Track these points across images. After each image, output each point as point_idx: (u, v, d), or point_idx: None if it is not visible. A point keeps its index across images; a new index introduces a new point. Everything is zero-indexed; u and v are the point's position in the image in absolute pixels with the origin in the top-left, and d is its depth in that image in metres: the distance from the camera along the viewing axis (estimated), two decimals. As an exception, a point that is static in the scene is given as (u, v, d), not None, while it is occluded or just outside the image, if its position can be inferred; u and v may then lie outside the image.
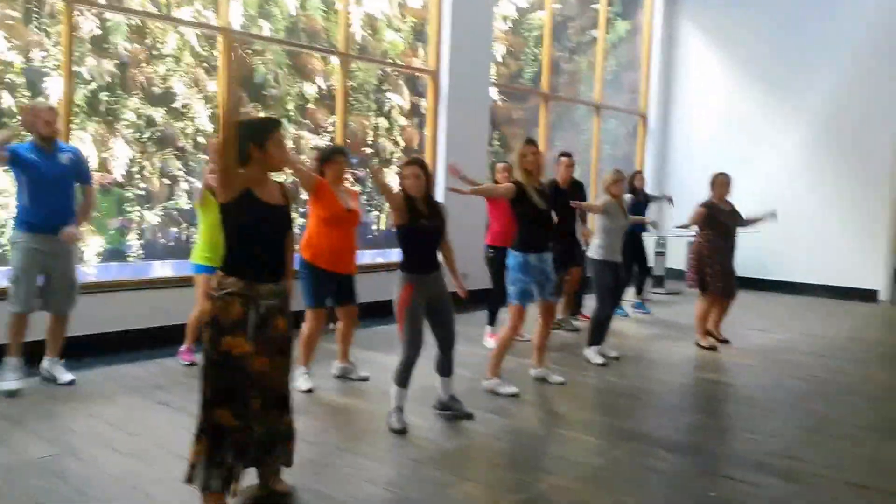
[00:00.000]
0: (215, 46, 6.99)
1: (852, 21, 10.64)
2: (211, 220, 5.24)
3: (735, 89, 11.73)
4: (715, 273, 6.82)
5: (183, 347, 5.71)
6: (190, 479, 3.12)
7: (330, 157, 5.10)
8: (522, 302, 5.17)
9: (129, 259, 6.77)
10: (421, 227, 4.28)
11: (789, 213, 10.99)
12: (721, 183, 6.90)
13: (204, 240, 5.44)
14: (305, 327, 5.11)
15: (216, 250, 5.18)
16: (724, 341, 7.17)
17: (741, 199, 7.28)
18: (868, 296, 10.52)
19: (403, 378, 4.32)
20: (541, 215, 5.17)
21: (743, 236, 7.15)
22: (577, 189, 6.87)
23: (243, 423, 3.13)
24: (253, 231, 3.14)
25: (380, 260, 8.66)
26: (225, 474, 3.11)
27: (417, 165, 4.30)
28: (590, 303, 8.81)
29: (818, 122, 10.95)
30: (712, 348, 6.84)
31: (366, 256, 8.57)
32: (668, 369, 6.15)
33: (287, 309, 3.29)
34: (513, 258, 5.18)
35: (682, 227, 7.03)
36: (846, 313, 9.39)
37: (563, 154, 6.99)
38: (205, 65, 7.21)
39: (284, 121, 7.74)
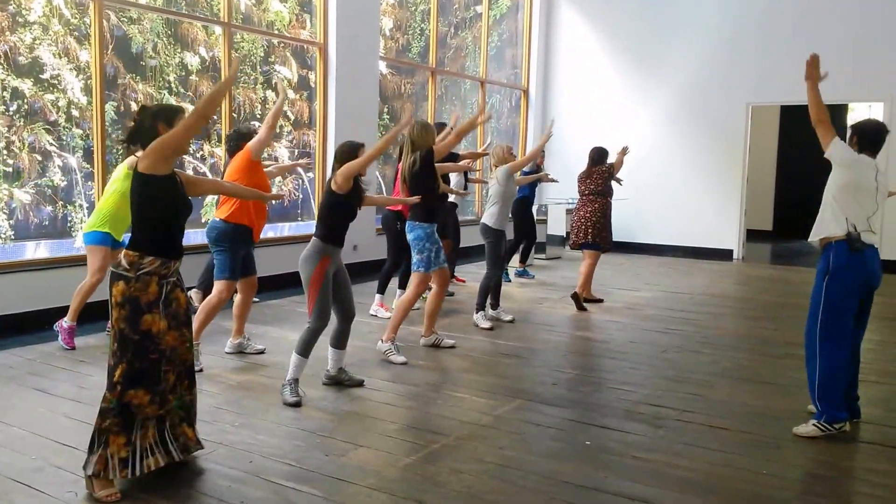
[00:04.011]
0: (86, 13, 6.54)
1: None
2: (126, 190, 5.09)
3: (608, 63, 12.14)
4: (609, 232, 7.39)
5: (65, 325, 5.36)
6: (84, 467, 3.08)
7: (250, 135, 5.14)
8: (428, 269, 5.30)
9: (-4, 241, 6.29)
10: (357, 200, 4.45)
11: (655, 181, 11.59)
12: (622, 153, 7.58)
13: (109, 209, 5.24)
14: (215, 297, 4.96)
15: (119, 222, 5.23)
16: (599, 301, 7.54)
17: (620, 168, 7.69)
18: (724, 255, 11.29)
19: (307, 348, 4.32)
20: (439, 188, 5.39)
21: (613, 204, 7.54)
22: (451, 156, 6.97)
23: (157, 398, 3.16)
24: (172, 210, 3.20)
25: (271, 234, 8.48)
26: (127, 455, 3.08)
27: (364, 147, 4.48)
28: (470, 268, 9.05)
29: (681, 94, 11.53)
30: (583, 308, 7.18)
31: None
32: (548, 330, 6.39)
33: (182, 283, 3.34)
34: (422, 229, 5.28)
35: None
36: (704, 271, 10.04)
37: (440, 124, 7.23)
38: (76, 33, 6.72)
39: (165, 92, 7.41)
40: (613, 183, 7.61)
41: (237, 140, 5.19)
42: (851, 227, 3.82)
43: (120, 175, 5.31)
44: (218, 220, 5.00)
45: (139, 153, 3.22)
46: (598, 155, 7.50)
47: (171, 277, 3.21)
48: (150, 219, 3.17)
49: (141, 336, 3.09)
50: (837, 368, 3.85)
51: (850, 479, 3.49)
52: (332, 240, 4.37)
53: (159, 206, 3.16)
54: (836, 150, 3.89)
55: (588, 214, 7.36)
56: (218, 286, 4.99)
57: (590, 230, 7.33)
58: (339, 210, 4.38)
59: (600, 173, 7.39)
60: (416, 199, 5.08)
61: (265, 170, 6.12)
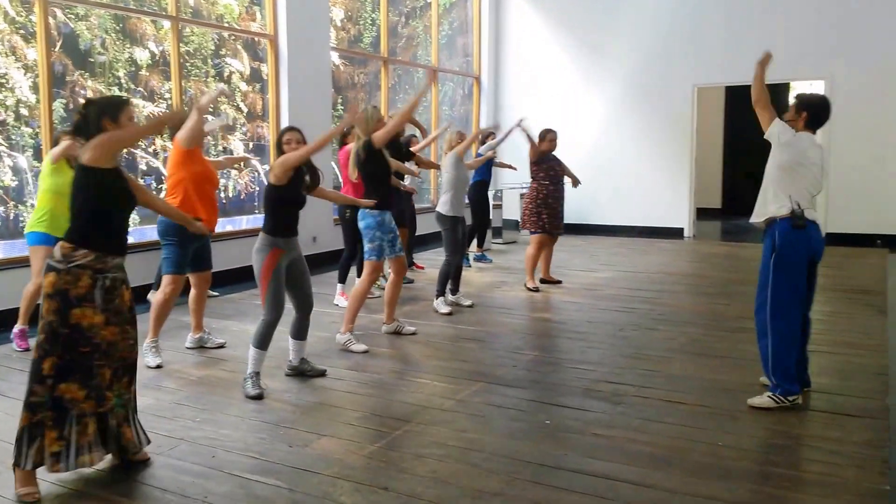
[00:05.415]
0: (32, 11, 6.29)
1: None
2: (57, 187, 4.90)
3: (557, 49, 12.14)
4: (548, 214, 7.21)
5: (16, 329, 5.19)
6: (17, 463, 2.99)
7: None
8: (379, 257, 5.22)
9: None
10: (299, 193, 4.29)
11: (607, 163, 11.66)
12: (551, 138, 7.26)
13: (44, 208, 5.00)
14: (161, 293, 4.81)
15: (58, 220, 4.91)
16: (557, 282, 7.54)
17: (569, 152, 7.66)
18: (675, 233, 11.42)
19: (264, 341, 4.21)
20: (390, 175, 5.25)
21: (566, 187, 7.50)
22: (398, 146, 6.91)
23: (93, 393, 3.06)
24: (113, 204, 3.13)
25: (229, 228, 8.30)
26: (60, 450, 3.01)
27: (298, 132, 4.31)
28: (428, 255, 9.00)
29: (629, 78, 11.59)
30: (536, 290, 7.18)
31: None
32: (507, 313, 6.37)
33: (127, 280, 3.24)
34: (372, 218, 5.17)
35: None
36: (658, 250, 10.14)
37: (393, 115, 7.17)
38: (22, 31, 6.47)
39: (115, 89, 7.17)
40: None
41: (176, 130, 4.94)
42: (795, 204, 3.85)
43: (45, 172, 5.08)
44: None
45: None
46: (539, 140, 7.33)
47: (111, 273, 3.10)
48: (89, 211, 3.09)
49: (70, 330, 3.00)
50: (789, 342, 3.90)
51: (804, 448, 3.53)
52: (278, 232, 4.21)
53: (99, 199, 3.08)
54: (776, 131, 3.91)
55: (524, 200, 7.35)
56: (165, 280, 4.81)
57: (524, 215, 7.31)
58: (279, 202, 4.22)
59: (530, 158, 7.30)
60: (370, 202, 4.98)
61: (216, 160, 5.97)
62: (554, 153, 7.32)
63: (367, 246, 5.24)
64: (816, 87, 10.54)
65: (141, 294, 5.13)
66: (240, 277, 7.35)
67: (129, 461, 3.27)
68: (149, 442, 3.36)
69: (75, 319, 3.00)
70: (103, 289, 3.06)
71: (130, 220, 3.64)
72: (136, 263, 6.29)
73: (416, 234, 8.09)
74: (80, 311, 3.00)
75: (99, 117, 3.11)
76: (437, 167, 6.78)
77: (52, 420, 2.99)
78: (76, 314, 3.00)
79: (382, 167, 5.17)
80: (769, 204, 3.93)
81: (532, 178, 7.28)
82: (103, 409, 3.11)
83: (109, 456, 3.28)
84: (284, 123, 8.31)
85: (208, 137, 8.05)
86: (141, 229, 7.10)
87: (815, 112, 3.95)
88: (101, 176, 3.05)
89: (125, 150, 3.39)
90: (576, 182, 7.47)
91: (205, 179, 4.86)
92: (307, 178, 4.36)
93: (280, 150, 4.25)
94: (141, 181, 7.09)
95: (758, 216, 3.99)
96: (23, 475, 2.98)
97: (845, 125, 10.21)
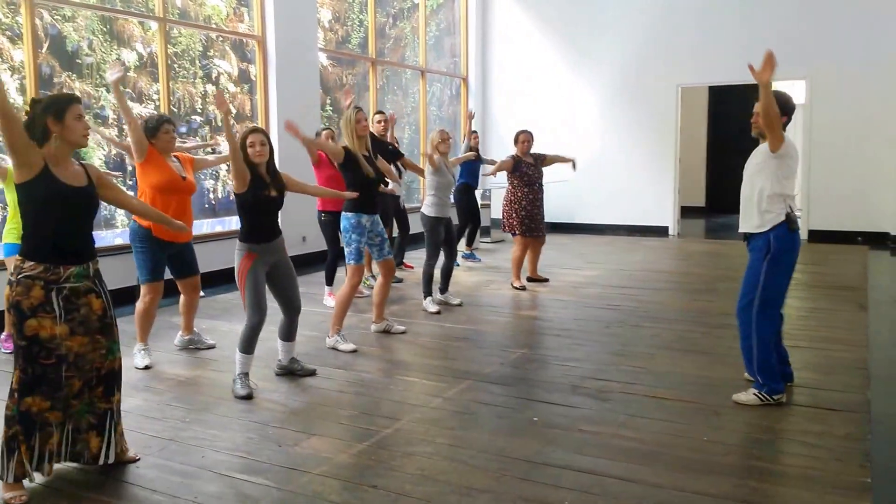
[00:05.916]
0: (18, 12, 6.23)
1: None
2: (13, 201, 4.83)
3: (544, 49, 12.16)
4: (522, 217, 7.15)
5: (3, 335, 5.17)
6: (0, 476, 2.96)
7: (157, 128, 4.72)
8: (358, 261, 5.18)
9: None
10: (264, 196, 4.14)
11: (593, 162, 11.68)
12: (523, 139, 7.21)
13: (12, 218, 4.92)
14: (141, 303, 4.76)
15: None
16: (544, 280, 7.55)
17: (555, 151, 7.64)
18: (660, 232, 11.47)
19: (249, 345, 4.17)
20: (370, 180, 5.12)
21: (554, 186, 7.50)
22: (387, 148, 6.89)
23: (59, 404, 3.00)
24: (51, 212, 2.95)
25: (219, 228, 8.26)
26: (32, 458, 2.97)
27: (262, 133, 4.18)
28: (418, 254, 8.97)
29: (615, 77, 11.62)
30: (522, 288, 7.17)
31: (204, 225, 8.12)
32: (494, 311, 6.37)
33: (100, 288, 3.12)
34: (346, 220, 5.14)
35: (487, 174, 7.58)
36: (643, 248, 10.18)
37: (377, 112, 7.14)
38: (8, 33, 6.40)
39: (103, 90, 7.11)
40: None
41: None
42: (788, 207, 3.86)
43: (3, 186, 5.02)
44: (132, 220, 4.79)
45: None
46: (513, 142, 7.29)
47: (67, 283, 2.98)
48: (29, 225, 2.99)
49: (28, 341, 2.92)
50: (772, 341, 3.92)
51: (787, 442, 3.55)
52: (250, 238, 4.16)
53: (35, 210, 2.96)
54: (787, 147, 3.80)
55: (502, 203, 7.35)
56: (142, 290, 4.75)
57: (503, 218, 7.31)
58: (244, 208, 4.16)
59: None
60: (353, 194, 4.89)
61: (202, 157, 5.87)
62: (532, 152, 7.28)
63: (345, 249, 5.21)
64: (797, 87, 10.60)
65: (132, 296, 5.07)
66: (228, 278, 7.29)
67: (120, 461, 3.23)
68: (125, 453, 3.28)
69: (31, 331, 2.91)
70: (61, 299, 2.95)
71: (118, 221, 3.54)
72: (127, 265, 6.26)
73: (408, 233, 8.08)
74: (37, 322, 2.91)
75: (43, 116, 2.94)
76: (422, 171, 6.74)
77: (22, 434, 2.95)
78: (32, 325, 2.91)
79: (358, 173, 5.04)
80: (765, 213, 3.85)
81: (508, 181, 7.26)
82: (67, 418, 3.06)
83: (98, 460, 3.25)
84: (273, 125, 8.27)
85: (198, 139, 8.01)
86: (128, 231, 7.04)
87: (790, 116, 3.94)
88: (31, 187, 2.91)
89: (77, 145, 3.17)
90: (573, 164, 7.43)
91: (169, 188, 4.70)
92: (275, 184, 4.22)
93: (244, 153, 4.11)
94: (129, 182, 7.03)
95: (754, 227, 3.89)
96: (8, 487, 2.96)
97: (826, 124, 10.30)
